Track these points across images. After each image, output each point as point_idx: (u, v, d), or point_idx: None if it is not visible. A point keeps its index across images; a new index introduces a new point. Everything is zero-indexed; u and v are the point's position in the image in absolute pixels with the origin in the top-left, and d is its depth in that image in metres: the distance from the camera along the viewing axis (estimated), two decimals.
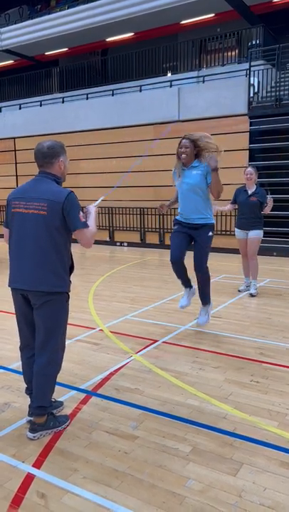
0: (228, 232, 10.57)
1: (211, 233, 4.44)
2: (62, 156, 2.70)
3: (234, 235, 10.33)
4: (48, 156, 2.65)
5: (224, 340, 4.40)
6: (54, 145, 2.68)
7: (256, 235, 6.11)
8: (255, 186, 6.13)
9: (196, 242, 4.45)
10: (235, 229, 6.34)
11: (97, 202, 3.08)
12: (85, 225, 2.60)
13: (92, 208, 2.84)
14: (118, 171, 12.18)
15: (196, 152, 4.29)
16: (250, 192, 6.08)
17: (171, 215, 10.09)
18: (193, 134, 4.32)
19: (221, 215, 10.57)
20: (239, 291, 6.36)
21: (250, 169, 6.12)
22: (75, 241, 2.68)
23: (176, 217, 4.58)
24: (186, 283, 4.70)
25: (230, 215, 10.48)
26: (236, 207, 6.39)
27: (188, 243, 4.48)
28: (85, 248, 2.71)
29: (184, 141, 4.28)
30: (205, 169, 4.28)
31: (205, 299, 4.65)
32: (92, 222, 2.72)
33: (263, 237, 6.35)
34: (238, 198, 6.20)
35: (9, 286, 2.72)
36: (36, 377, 2.69)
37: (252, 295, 6.17)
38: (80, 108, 13.01)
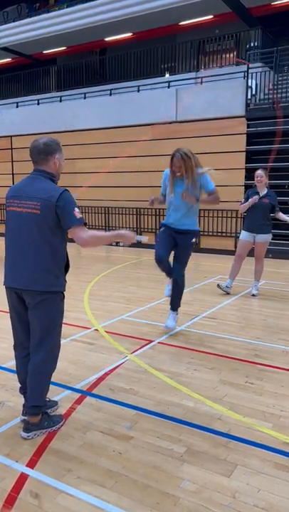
0: (224, 234, 10.60)
1: (194, 239, 4.48)
2: (58, 154, 2.68)
3: (230, 236, 10.52)
4: (43, 152, 2.63)
5: (219, 342, 4.40)
6: (50, 142, 2.66)
7: (265, 238, 6.14)
8: (266, 189, 6.13)
9: (178, 246, 4.44)
10: (242, 231, 6.32)
11: (141, 238, 3.09)
12: (80, 222, 2.55)
13: (130, 234, 2.82)
14: (115, 171, 12.19)
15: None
16: (261, 194, 6.09)
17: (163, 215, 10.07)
18: (185, 153, 4.19)
19: (217, 217, 10.59)
20: (253, 295, 6.30)
21: (260, 172, 6.10)
22: (71, 240, 2.66)
23: (163, 222, 4.58)
24: (169, 273, 4.61)
25: (227, 217, 10.51)
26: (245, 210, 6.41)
27: (173, 242, 4.47)
28: (83, 247, 2.66)
29: (175, 159, 4.17)
30: (198, 181, 4.23)
31: (175, 304, 4.63)
32: (110, 233, 2.75)
33: None
34: (249, 199, 6.19)
35: (4, 285, 2.70)
36: (31, 375, 2.67)
37: (253, 295, 6.24)
38: (77, 107, 12.99)
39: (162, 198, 4.63)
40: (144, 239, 3.09)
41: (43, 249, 2.56)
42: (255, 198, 6.03)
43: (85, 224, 2.62)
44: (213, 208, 10.46)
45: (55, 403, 3.03)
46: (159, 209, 11.24)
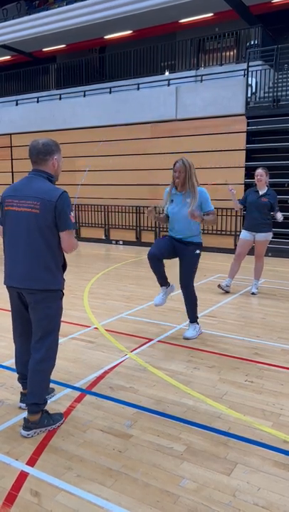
0: (224, 232, 10.59)
1: (198, 251, 4.37)
2: (57, 154, 2.70)
3: (230, 234, 10.50)
4: (42, 152, 2.64)
5: (219, 340, 4.40)
6: (49, 142, 2.68)
7: (265, 237, 6.13)
8: (266, 188, 6.12)
9: (182, 259, 4.37)
10: (243, 230, 6.30)
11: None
12: (74, 227, 2.60)
13: None
14: (115, 169, 12.17)
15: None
16: (261, 193, 6.08)
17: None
18: (188, 161, 4.21)
19: (217, 215, 10.57)
20: (253, 293, 6.29)
21: (260, 170, 6.10)
22: None
23: (168, 233, 4.52)
24: (162, 280, 4.53)
25: (226, 216, 10.51)
26: (242, 207, 6.38)
27: (171, 249, 4.36)
28: (65, 251, 2.66)
29: (177, 165, 4.20)
30: (198, 199, 4.21)
31: (191, 317, 4.52)
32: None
33: None
34: (248, 198, 6.18)
35: (4, 284, 2.72)
36: (31, 373, 2.69)
37: (253, 294, 6.25)
38: (77, 105, 12.97)
39: (165, 218, 4.52)
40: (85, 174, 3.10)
41: (42, 248, 2.58)
42: (229, 187, 6.05)
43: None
44: (213, 207, 10.46)
45: (52, 390, 3.10)
46: (159, 207, 11.23)
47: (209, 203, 4.30)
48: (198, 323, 4.56)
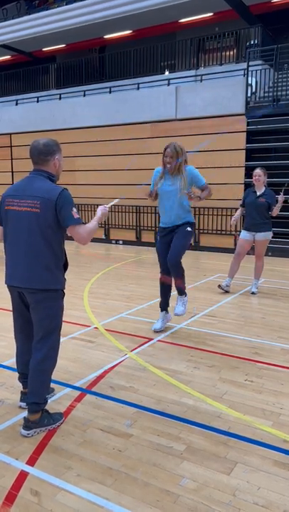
0: (224, 232, 10.59)
1: (189, 228, 4.35)
2: (58, 154, 2.71)
3: (230, 234, 10.50)
4: (43, 153, 2.65)
5: (219, 340, 4.40)
6: (50, 143, 2.68)
7: (265, 236, 6.13)
8: (264, 188, 6.12)
9: (175, 234, 4.36)
10: (242, 230, 6.32)
11: (112, 203, 3.09)
12: (78, 222, 2.58)
13: (102, 208, 2.84)
14: (114, 169, 12.17)
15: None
16: (258, 193, 6.08)
17: None
18: (179, 146, 4.24)
19: (216, 215, 10.59)
20: (253, 293, 6.29)
21: (258, 170, 6.10)
22: (70, 238, 2.67)
23: (160, 225, 4.54)
24: (164, 304, 4.66)
25: (226, 215, 10.51)
26: (244, 210, 6.39)
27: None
28: (81, 245, 2.68)
29: (168, 150, 4.22)
30: (188, 177, 4.23)
31: (180, 290, 4.54)
32: (94, 221, 2.72)
33: None
34: (247, 199, 6.19)
35: (6, 283, 2.72)
36: (32, 372, 2.69)
37: (253, 293, 6.25)
38: (77, 105, 12.96)
39: (154, 196, 4.52)
40: (116, 201, 3.29)
41: (43, 248, 2.58)
42: (232, 222, 6.26)
43: (84, 223, 2.64)
44: (213, 206, 10.47)
45: (52, 389, 3.10)
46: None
47: (200, 177, 4.30)
48: (185, 295, 4.57)
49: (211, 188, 4.41)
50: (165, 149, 4.25)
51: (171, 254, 4.32)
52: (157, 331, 4.58)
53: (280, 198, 5.97)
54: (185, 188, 4.20)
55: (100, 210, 2.85)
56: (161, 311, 4.69)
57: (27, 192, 2.60)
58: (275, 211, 6.00)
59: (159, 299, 5.97)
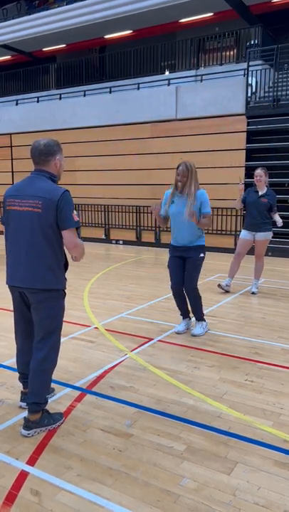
0: (224, 232, 10.59)
1: (202, 254, 4.45)
2: (59, 155, 2.71)
3: (230, 234, 10.50)
4: (44, 153, 2.65)
5: (219, 340, 4.40)
6: (51, 143, 2.68)
7: (265, 236, 6.13)
8: (265, 188, 6.12)
9: (187, 261, 4.44)
10: (242, 230, 6.32)
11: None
12: (76, 225, 2.59)
13: None
14: (115, 169, 12.17)
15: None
16: (260, 193, 6.08)
17: None
18: (191, 165, 4.29)
19: (217, 215, 10.59)
20: (253, 293, 6.28)
21: (259, 171, 6.10)
22: None
23: (171, 243, 4.57)
24: (184, 314, 4.70)
25: (226, 215, 10.51)
26: (242, 206, 6.40)
27: (184, 268, 4.49)
28: (68, 250, 2.64)
29: (180, 168, 4.28)
30: (198, 200, 4.27)
31: (198, 316, 4.62)
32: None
33: None
34: (248, 198, 6.18)
35: (7, 283, 2.72)
36: (33, 372, 2.69)
37: (253, 293, 6.25)
38: (77, 105, 12.96)
39: (164, 220, 4.56)
40: None
41: (44, 247, 2.58)
42: (240, 187, 6.23)
43: (78, 228, 2.63)
44: (213, 207, 10.44)
45: (52, 390, 3.10)
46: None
47: (208, 205, 4.36)
48: (205, 321, 4.64)
49: (211, 222, 4.47)
50: (177, 167, 4.33)
51: (187, 283, 4.46)
52: (180, 333, 4.59)
53: (278, 222, 6.07)
54: (192, 208, 4.22)
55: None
56: (183, 318, 4.71)
57: (28, 192, 2.60)
58: (278, 223, 6.08)
59: (158, 299, 5.99)
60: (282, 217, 6.28)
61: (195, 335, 4.51)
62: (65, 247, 2.66)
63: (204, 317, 4.65)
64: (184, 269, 4.46)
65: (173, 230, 4.49)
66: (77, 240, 2.62)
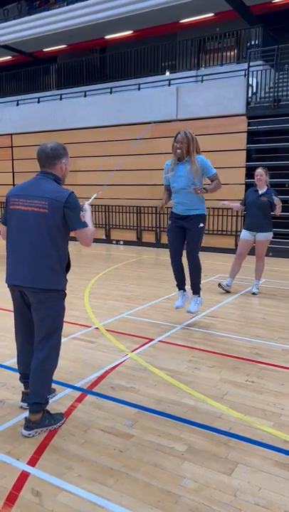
0: (225, 232, 10.59)
1: (202, 224, 4.53)
2: (65, 159, 2.74)
3: (231, 234, 10.50)
4: (50, 157, 2.69)
5: (220, 340, 4.40)
6: (57, 147, 2.72)
7: (266, 237, 6.13)
8: (266, 187, 6.12)
9: (188, 232, 4.55)
10: (243, 230, 6.32)
11: (91, 199, 3.15)
12: (85, 225, 2.65)
13: (88, 207, 2.87)
14: (116, 170, 12.16)
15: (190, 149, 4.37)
16: (260, 192, 6.08)
17: (167, 214, 10.09)
18: (190, 133, 4.37)
19: (217, 215, 10.59)
20: (254, 293, 6.27)
21: (260, 170, 6.10)
22: (73, 239, 2.68)
23: (172, 210, 4.67)
24: (180, 284, 4.82)
25: (227, 215, 10.51)
26: (243, 208, 6.39)
27: (184, 236, 4.61)
28: (84, 246, 2.74)
29: (179, 135, 4.35)
30: (199, 166, 4.35)
31: (195, 288, 4.76)
32: (89, 221, 2.75)
33: None
34: (248, 198, 6.19)
35: (6, 282, 2.72)
36: (34, 373, 2.70)
37: (254, 293, 6.26)
38: (78, 105, 12.97)
39: (166, 197, 4.71)
40: (95, 195, 3.35)
41: (49, 248, 2.60)
42: (224, 203, 6.30)
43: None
44: (214, 207, 10.46)
45: (53, 390, 3.11)
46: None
47: (210, 168, 4.44)
48: (200, 296, 4.79)
49: (220, 181, 4.53)
50: (176, 135, 4.38)
51: (190, 253, 4.57)
52: (178, 308, 4.76)
53: (276, 200, 5.94)
54: (197, 174, 4.32)
55: (88, 210, 2.85)
56: (179, 289, 4.84)
57: (34, 192, 2.62)
58: (277, 211, 6.00)
59: (159, 300, 5.99)
60: (282, 217, 6.27)
61: (191, 312, 4.68)
62: (80, 243, 2.73)
63: (200, 291, 4.80)
64: (184, 238, 4.57)
65: (174, 196, 4.58)
66: (89, 236, 2.69)
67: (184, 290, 4.85)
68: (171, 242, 4.66)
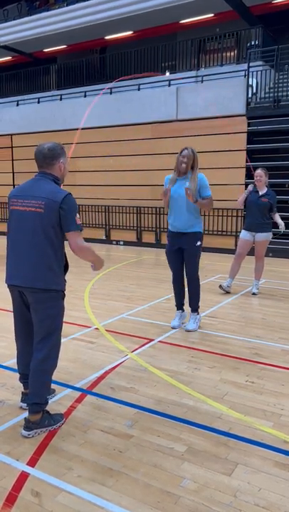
0: (225, 233, 10.59)
1: (199, 243, 4.60)
2: (63, 158, 2.74)
3: (231, 235, 10.50)
4: (48, 157, 2.68)
5: (219, 340, 4.40)
6: (55, 147, 2.72)
7: (265, 237, 6.14)
8: (265, 188, 6.14)
9: (185, 251, 4.59)
10: (242, 230, 6.33)
11: None
12: (79, 228, 2.62)
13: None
14: (115, 170, 12.17)
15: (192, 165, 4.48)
16: (260, 193, 6.09)
17: (167, 214, 10.09)
18: (194, 151, 4.49)
19: (217, 216, 10.59)
20: (254, 294, 6.29)
21: (259, 171, 6.12)
22: None
23: (168, 228, 4.73)
24: (179, 305, 4.86)
25: (227, 216, 10.51)
26: (242, 207, 6.39)
27: (182, 255, 4.66)
28: (74, 252, 2.67)
29: (185, 151, 4.44)
30: (198, 182, 4.44)
31: (194, 306, 4.78)
32: (96, 256, 2.79)
33: None
34: (248, 198, 6.20)
35: (6, 282, 2.73)
36: (33, 373, 2.70)
37: (254, 294, 6.26)
38: (78, 106, 12.97)
39: (168, 199, 4.69)
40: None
41: (46, 248, 2.60)
42: (249, 189, 6.17)
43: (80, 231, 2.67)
44: (214, 207, 10.47)
45: (53, 390, 3.11)
46: (159, 208, 11.22)
47: (207, 188, 4.53)
48: (198, 313, 4.80)
49: (212, 203, 4.64)
50: (182, 151, 4.49)
51: (189, 272, 4.65)
52: (175, 328, 4.71)
53: (281, 224, 6.06)
54: (194, 190, 4.40)
55: (102, 261, 2.92)
56: (177, 309, 4.87)
57: (32, 193, 2.63)
58: (278, 220, 6.09)
59: (158, 300, 5.99)
60: (282, 217, 6.28)
61: (189, 330, 4.64)
62: (70, 250, 2.67)
63: (198, 310, 4.82)
64: (183, 258, 4.63)
65: (170, 213, 4.63)
66: (82, 242, 2.64)
67: (183, 310, 4.87)
68: (171, 262, 4.76)
